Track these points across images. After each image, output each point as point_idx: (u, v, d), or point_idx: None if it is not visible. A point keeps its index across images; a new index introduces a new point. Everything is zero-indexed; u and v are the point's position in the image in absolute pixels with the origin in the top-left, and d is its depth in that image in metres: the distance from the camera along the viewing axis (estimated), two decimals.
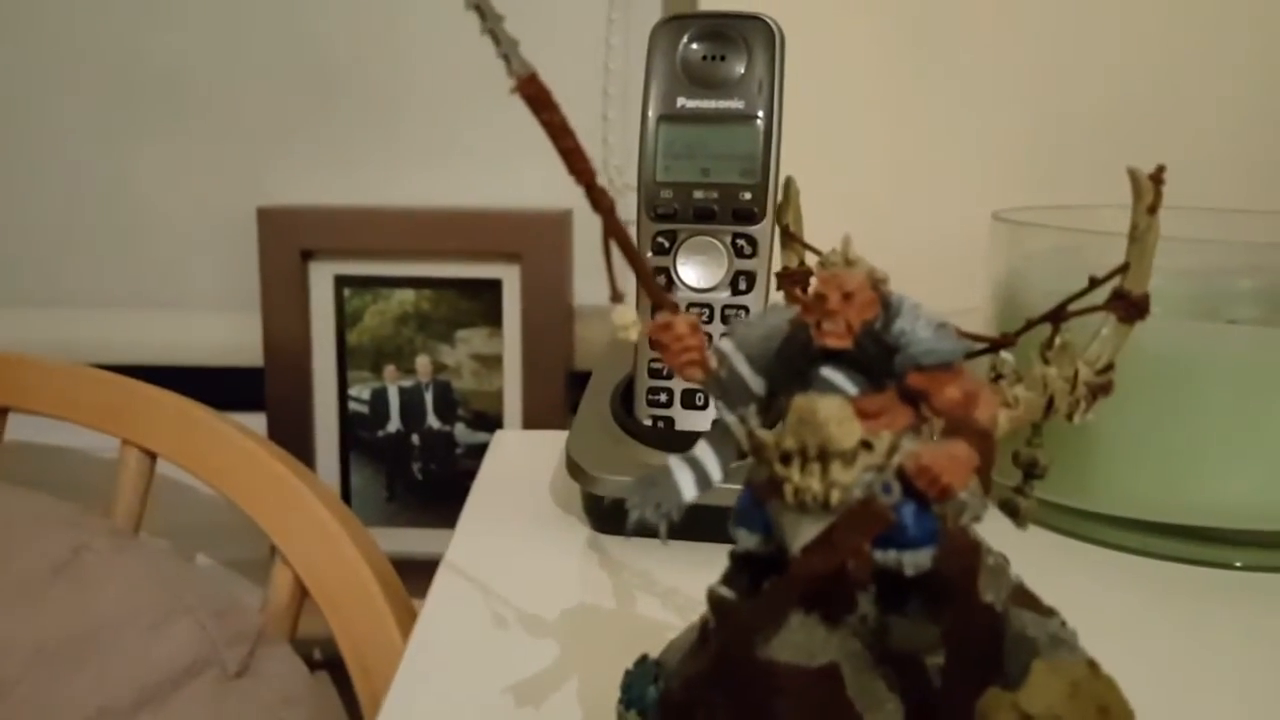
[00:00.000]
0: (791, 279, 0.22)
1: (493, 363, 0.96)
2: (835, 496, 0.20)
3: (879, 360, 0.21)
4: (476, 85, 0.92)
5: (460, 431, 0.98)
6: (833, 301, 0.21)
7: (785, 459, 0.21)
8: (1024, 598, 0.23)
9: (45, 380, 0.77)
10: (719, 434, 0.23)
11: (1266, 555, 0.55)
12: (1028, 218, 0.60)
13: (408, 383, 0.97)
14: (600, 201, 0.21)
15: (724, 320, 0.60)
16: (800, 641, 0.21)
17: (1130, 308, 0.23)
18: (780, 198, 0.25)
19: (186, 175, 0.95)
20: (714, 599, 0.22)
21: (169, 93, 0.94)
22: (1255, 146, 0.78)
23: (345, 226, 0.92)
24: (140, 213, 0.96)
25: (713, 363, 0.23)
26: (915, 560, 0.21)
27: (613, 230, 0.21)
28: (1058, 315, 0.23)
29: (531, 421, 0.95)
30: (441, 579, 0.55)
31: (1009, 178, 0.75)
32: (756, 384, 0.22)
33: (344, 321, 0.95)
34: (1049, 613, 0.23)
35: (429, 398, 0.97)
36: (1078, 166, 0.75)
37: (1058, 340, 0.23)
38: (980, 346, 0.25)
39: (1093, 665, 0.22)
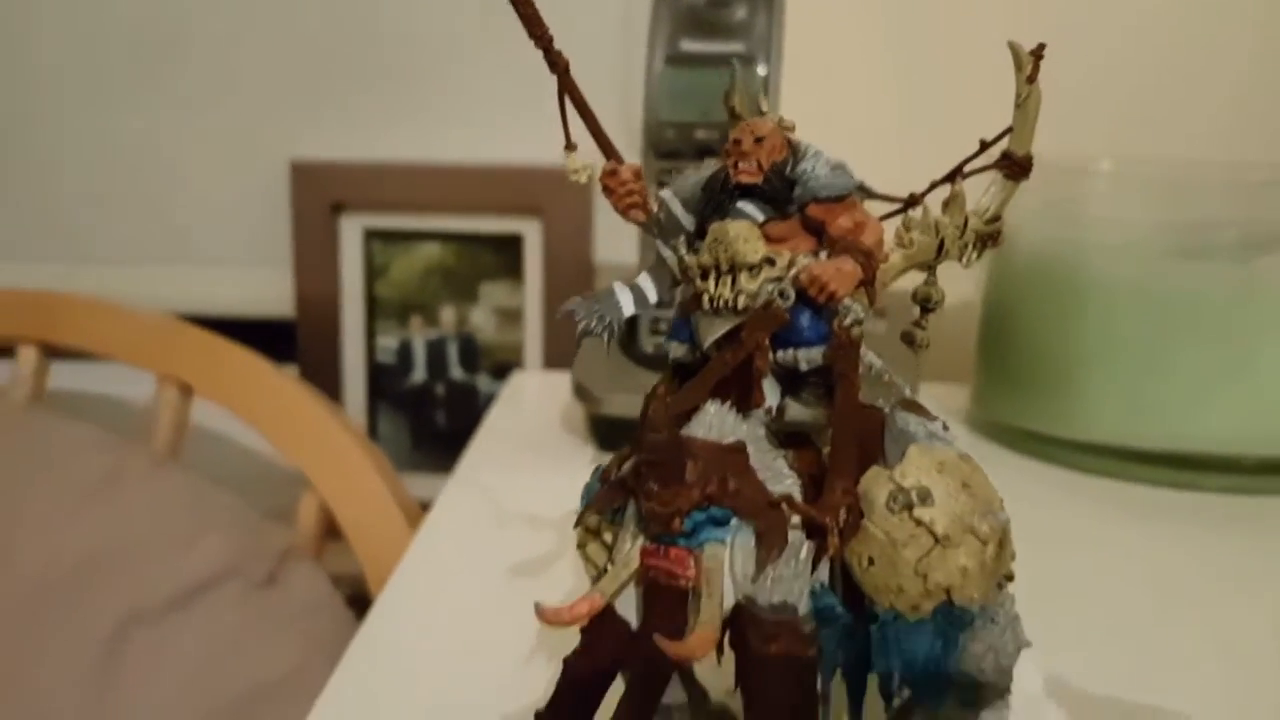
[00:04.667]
0: None
1: (514, 316, 1.01)
2: (742, 301, 0.25)
3: (785, 194, 0.25)
4: (504, 45, 0.96)
5: (483, 382, 1.02)
6: (746, 144, 0.25)
7: (704, 274, 0.25)
8: (912, 406, 0.27)
9: (85, 317, 0.82)
10: (657, 266, 0.27)
11: (1241, 480, 0.59)
12: None
13: (433, 334, 1.02)
14: (556, 61, 0.25)
15: None
16: (713, 423, 0.25)
17: (1014, 166, 0.27)
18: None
19: (220, 131, 1.00)
20: (647, 394, 0.26)
21: (203, 50, 0.98)
22: (1249, 97, 0.80)
23: (375, 180, 0.97)
24: (174, 169, 1.01)
25: (653, 206, 0.27)
26: (809, 356, 0.25)
27: (567, 88, 0.26)
28: (954, 174, 0.28)
29: None
30: (450, 489, 0.60)
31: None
32: (688, 221, 0.27)
33: (372, 274, 1.00)
34: (932, 418, 0.27)
35: (453, 349, 1.02)
36: (1076, 118, 0.79)
37: (950, 191, 0.27)
38: (894, 207, 0.29)
39: (964, 455, 0.26)
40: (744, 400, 0.26)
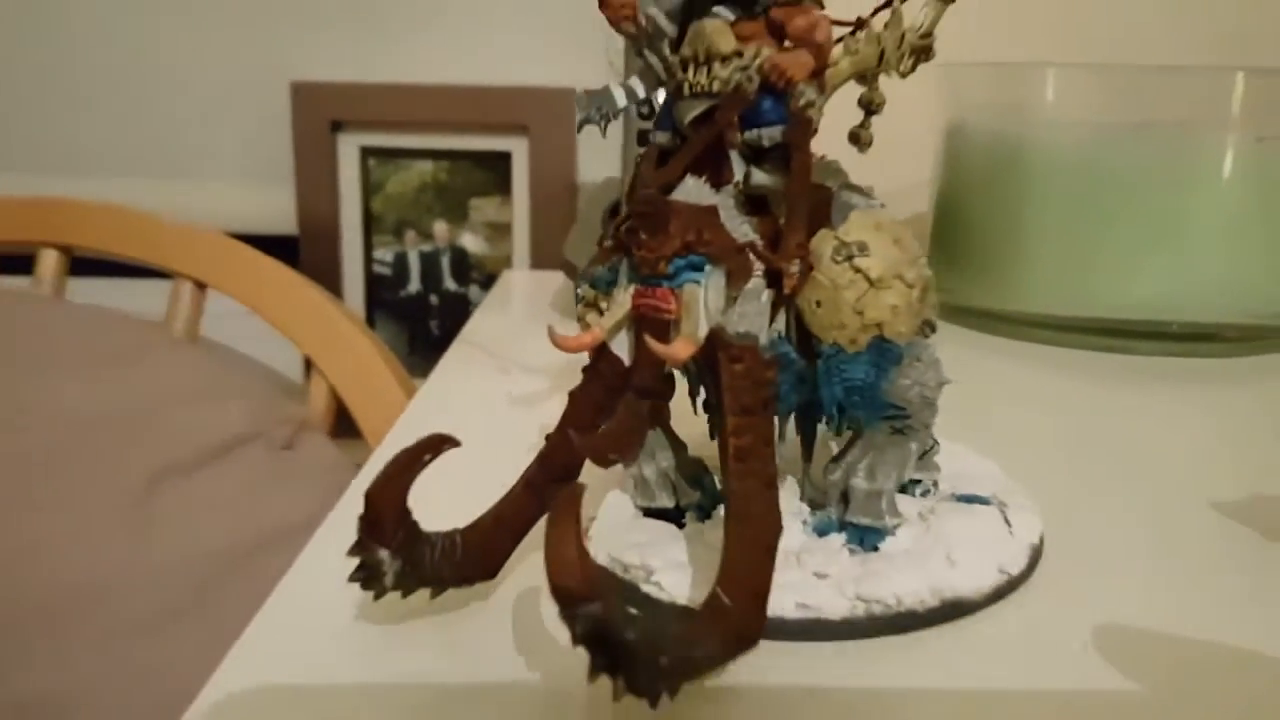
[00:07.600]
0: None
1: (503, 230, 1.06)
2: (716, 85, 0.30)
3: (755, 1, 0.31)
4: None
5: (474, 293, 1.08)
6: None
7: (684, 66, 0.31)
8: (855, 188, 0.33)
9: (98, 219, 0.87)
10: (644, 70, 0.33)
11: (1169, 345, 0.65)
12: (971, 72, 0.70)
13: (427, 247, 1.07)
14: None
15: None
16: (691, 192, 0.31)
17: None
18: None
19: (224, 52, 1.05)
20: (635, 164, 0.32)
21: None
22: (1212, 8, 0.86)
23: (372, 100, 1.02)
24: (178, 87, 1.06)
25: (641, 20, 0.33)
26: (770, 134, 0.31)
27: None
28: None
29: None
30: (447, 359, 0.65)
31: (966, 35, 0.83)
32: (670, 29, 0.32)
33: (369, 190, 1.06)
34: (872, 197, 0.33)
35: (445, 262, 1.07)
36: (1026, 26, 0.84)
37: (890, 9, 0.33)
38: (845, 32, 0.34)
39: (894, 219, 0.32)
40: (716, 176, 0.31)
